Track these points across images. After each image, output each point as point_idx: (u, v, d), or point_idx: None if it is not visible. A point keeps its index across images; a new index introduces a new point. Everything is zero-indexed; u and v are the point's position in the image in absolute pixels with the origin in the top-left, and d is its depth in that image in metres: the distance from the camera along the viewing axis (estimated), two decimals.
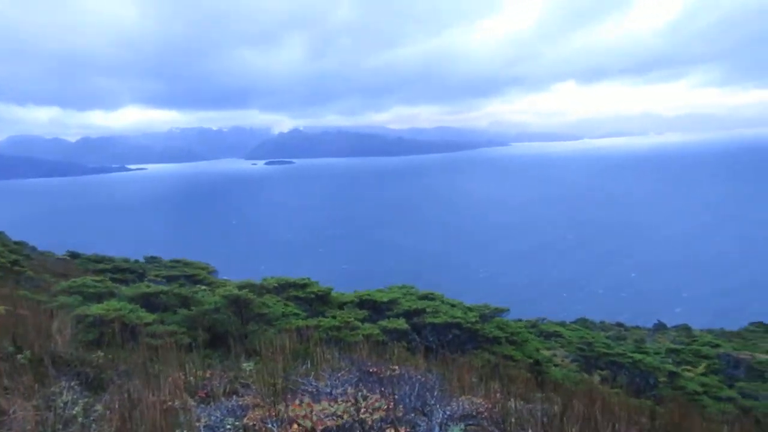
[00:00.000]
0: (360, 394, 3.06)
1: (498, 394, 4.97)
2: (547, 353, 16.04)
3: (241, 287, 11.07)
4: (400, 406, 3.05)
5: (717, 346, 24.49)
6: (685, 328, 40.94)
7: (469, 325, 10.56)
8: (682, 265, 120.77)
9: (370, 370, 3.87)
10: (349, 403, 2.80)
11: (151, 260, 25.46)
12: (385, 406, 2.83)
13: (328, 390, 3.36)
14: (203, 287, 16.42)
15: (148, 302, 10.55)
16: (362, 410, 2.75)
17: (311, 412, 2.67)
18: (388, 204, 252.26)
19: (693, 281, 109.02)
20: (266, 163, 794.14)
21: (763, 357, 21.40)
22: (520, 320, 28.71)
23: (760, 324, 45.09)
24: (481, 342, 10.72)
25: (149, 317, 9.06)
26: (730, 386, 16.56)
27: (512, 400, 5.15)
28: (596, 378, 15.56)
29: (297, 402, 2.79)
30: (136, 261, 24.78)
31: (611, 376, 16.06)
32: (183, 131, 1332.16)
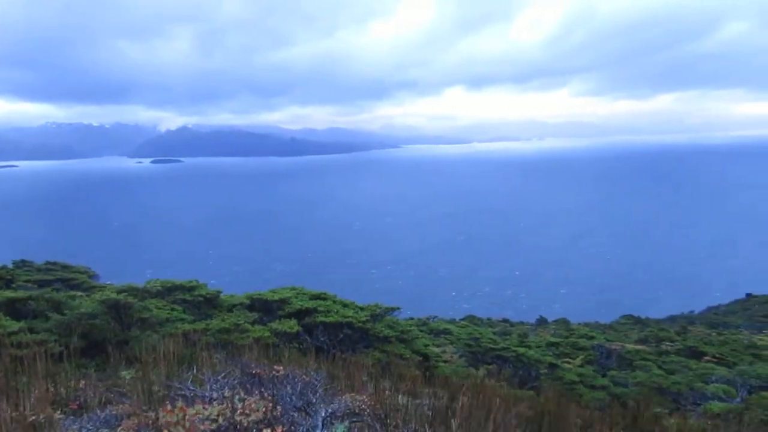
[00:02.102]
0: (237, 396, 2.96)
1: (387, 392, 5.02)
2: (436, 350, 16.44)
3: (121, 291, 10.43)
4: (279, 406, 2.98)
5: (592, 338, 26.21)
6: (564, 322, 43.54)
7: (360, 324, 10.60)
8: (561, 263, 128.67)
9: (254, 372, 3.76)
10: (224, 406, 2.70)
11: (21, 264, 23.41)
12: (263, 407, 2.75)
13: (207, 394, 3.22)
14: (80, 293, 15.37)
15: (14, 309, 9.67)
16: (238, 412, 2.66)
17: (184, 417, 2.54)
18: (281, 205, 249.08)
19: (571, 278, 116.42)
20: (152, 162, 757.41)
21: (631, 347, 23.17)
22: (411, 319, 29.31)
23: (630, 316, 48.99)
24: (372, 341, 10.80)
25: (14, 325, 8.30)
26: (604, 375, 17.74)
27: (401, 396, 5.22)
28: (483, 372, 16.13)
29: (169, 408, 2.64)
30: (3, 266, 22.68)
31: (497, 369, 16.69)
32: (59, 126, 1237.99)
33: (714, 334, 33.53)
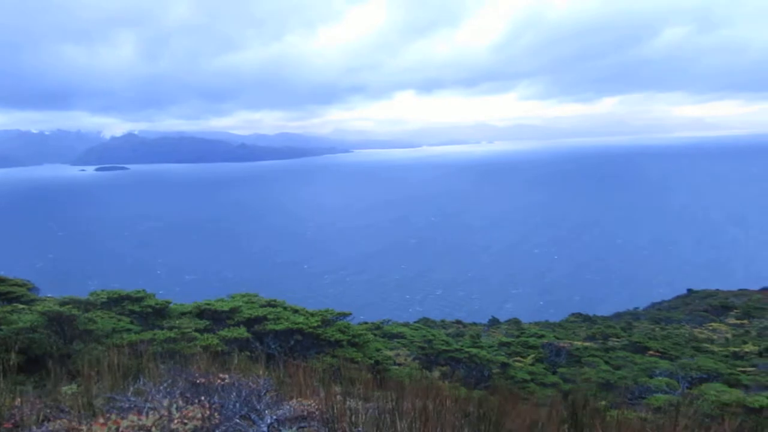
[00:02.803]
0: (176, 405, 2.90)
1: (338, 396, 5.00)
2: (389, 353, 16.48)
3: (63, 303, 10.06)
4: (220, 414, 2.93)
5: (542, 336, 26.74)
6: (516, 322, 44.28)
7: (311, 330, 10.54)
8: (512, 264, 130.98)
9: (198, 381, 3.68)
10: (160, 416, 2.63)
11: None
12: (201, 415, 2.70)
13: (146, 405, 3.14)
14: (20, 305, 14.74)
15: None
16: (175, 421, 2.60)
17: (117, 429, 2.46)
18: (232, 212, 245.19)
19: (521, 278, 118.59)
20: (97, 169, 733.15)
21: (580, 344, 23.76)
22: (365, 323, 29.26)
23: (579, 314, 50.20)
24: (323, 346, 10.74)
25: None
26: (554, 372, 18.13)
27: (351, 400, 5.21)
28: (436, 374, 16.25)
29: (101, 421, 2.56)
30: None
31: (450, 371, 16.84)
32: None
33: (657, 329, 34.70)
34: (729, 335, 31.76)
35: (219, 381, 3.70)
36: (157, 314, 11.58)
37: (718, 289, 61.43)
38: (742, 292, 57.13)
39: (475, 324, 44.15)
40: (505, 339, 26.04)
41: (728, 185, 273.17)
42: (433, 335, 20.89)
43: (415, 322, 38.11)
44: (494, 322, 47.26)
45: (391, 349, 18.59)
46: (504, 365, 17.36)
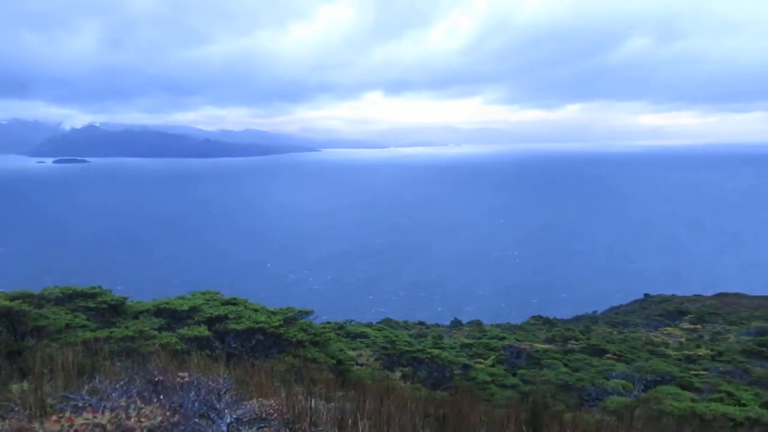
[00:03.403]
0: (134, 404, 2.83)
1: (299, 396, 4.97)
2: (352, 353, 16.44)
3: (13, 298, 9.74)
4: (179, 413, 2.87)
5: (503, 338, 27.07)
6: (478, 324, 44.68)
7: (273, 329, 10.43)
8: (475, 266, 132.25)
9: (156, 380, 3.60)
10: (116, 414, 2.56)
11: None
12: (161, 415, 2.64)
13: (102, 404, 3.05)
14: None
15: None
16: (132, 419, 2.54)
17: (71, 426, 2.38)
18: (195, 208, 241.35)
19: (484, 280, 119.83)
20: (55, 162, 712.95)
21: (540, 346, 24.10)
22: (328, 323, 29.16)
23: (539, 317, 50.95)
24: (285, 346, 10.64)
25: None
26: (514, 374, 18.34)
27: (313, 400, 5.18)
28: (398, 374, 16.29)
29: (55, 418, 2.48)
30: None
31: (412, 371, 16.89)
32: None
33: (615, 332, 35.48)
34: (683, 339, 32.67)
35: (178, 380, 3.63)
36: (113, 311, 11.31)
37: (673, 295, 63.19)
38: (697, 298, 58.88)
39: (437, 325, 44.41)
40: (466, 340, 26.25)
41: (684, 194, 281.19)
42: (395, 336, 20.93)
43: (378, 322, 38.15)
44: (456, 324, 47.61)
45: (353, 350, 18.56)
46: (465, 366, 17.50)
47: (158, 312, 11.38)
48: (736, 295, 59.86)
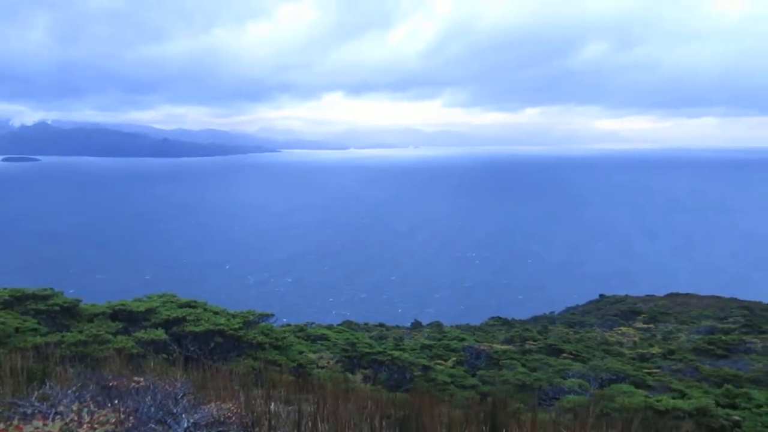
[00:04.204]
0: (86, 409, 2.75)
1: (259, 399, 4.92)
2: (313, 356, 16.35)
3: None
4: (133, 418, 2.81)
5: (463, 339, 27.32)
6: (438, 325, 44.99)
7: (232, 332, 10.30)
8: (434, 268, 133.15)
9: (110, 384, 3.52)
10: (68, 420, 2.49)
11: None
12: (114, 419, 2.57)
13: (53, 410, 2.96)
14: None
15: None
16: (85, 426, 2.47)
17: None
18: (152, 209, 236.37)
19: (444, 282, 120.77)
20: (4, 160, 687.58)
21: (499, 347, 24.41)
22: (288, 325, 28.94)
23: (498, 318, 51.60)
24: (245, 348, 10.52)
25: None
26: (473, 375, 18.50)
27: (273, 403, 5.13)
28: (359, 376, 16.27)
29: (2, 426, 2.39)
30: None
31: (373, 373, 16.90)
32: None
33: (571, 332, 36.18)
34: (637, 339, 33.55)
35: (133, 384, 3.55)
36: (66, 314, 10.99)
37: (627, 295, 64.83)
38: (649, 298, 60.55)
39: (398, 327, 44.56)
40: (427, 342, 26.39)
41: (638, 197, 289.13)
42: (356, 338, 20.91)
43: (338, 324, 38.05)
44: (417, 326, 47.84)
45: (314, 352, 18.46)
46: (426, 368, 17.58)
47: (113, 315, 11.11)
48: (686, 295, 61.74)
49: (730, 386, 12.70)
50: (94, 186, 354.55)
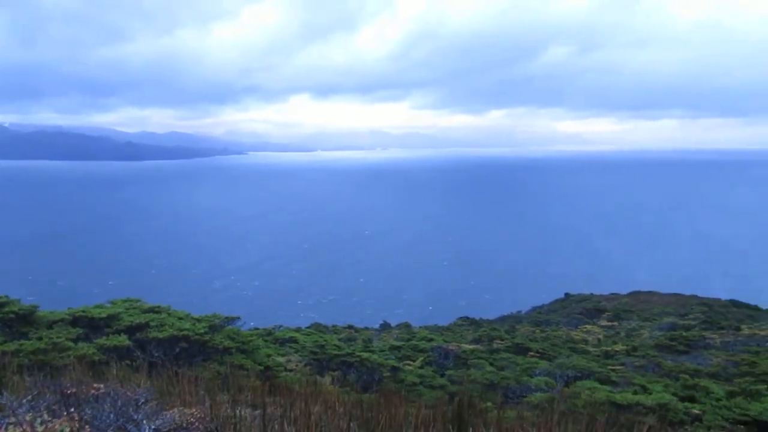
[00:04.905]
0: (40, 418, 2.66)
1: (225, 404, 4.84)
2: (281, 359, 16.22)
3: None
4: (88, 426, 2.73)
5: (431, 340, 27.41)
6: (407, 326, 45.09)
7: (197, 336, 10.14)
8: (403, 270, 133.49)
9: (69, 392, 3.41)
10: (21, 430, 2.40)
11: None
12: (69, 428, 2.50)
13: (5, 420, 2.86)
14: None
15: None
16: None
17: None
18: (116, 213, 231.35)
19: (412, 284, 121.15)
20: None
21: (467, 347, 24.58)
22: (256, 329, 28.66)
23: (466, 318, 52.00)
24: (211, 353, 10.37)
25: None
26: (442, 375, 18.59)
27: (239, 408, 5.06)
28: (328, 379, 16.19)
29: None
30: None
31: (342, 375, 16.84)
32: None
33: (538, 331, 36.67)
34: (601, 336, 34.17)
35: (93, 391, 3.45)
36: (22, 322, 10.65)
37: (591, 294, 66.06)
38: (613, 296, 61.79)
39: (367, 329, 44.52)
40: (396, 343, 26.41)
41: (601, 198, 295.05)
42: (325, 340, 20.81)
43: (307, 327, 37.86)
44: (386, 327, 47.91)
45: (282, 355, 18.30)
46: (394, 369, 17.59)
47: (74, 321, 10.82)
48: (648, 293, 63.21)
49: (689, 379, 13.02)
50: (56, 190, 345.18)
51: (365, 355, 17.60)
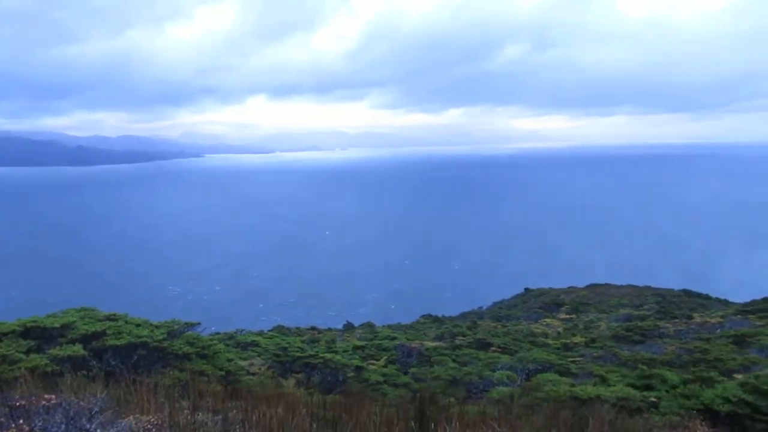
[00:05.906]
0: None
1: (186, 411, 4.74)
2: (243, 363, 16.02)
3: None
4: None
5: (394, 338, 27.50)
6: (370, 326, 45.13)
7: (156, 343, 9.91)
8: (365, 270, 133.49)
9: (18, 404, 3.29)
10: None
11: None
12: None
13: None
14: None
15: None
16: None
17: None
18: (68, 220, 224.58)
19: (374, 283, 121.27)
20: None
21: (430, 344, 24.73)
22: (217, 333, 28.27)
23: (429, 316, 52.34)
24: (170, 360, 10.15)
25: None
26: (405, 373, 18.65)
27: (200, 413, 4.96)
28: (292, 381, 16.07)
29: None
30: None
31: (306, 377, 16.75)
32: None
33: (499, 326, 37.13)
34: (561, 329, 34.83)
35: (44, 402, 3.34)
36: None
37: (550, 288, 67.25)
38: (571, 290, 63.03)
39: (330, 329, 44.35)
40: (359, 343, 26.39)
41: (555, 193, 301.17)
42: (287, 342, 20.67)
43: (269, 330, 37.51)
44: (349, 327, 47.82)
45: (244, 359, 18.09)
46: (358, 368, 17.58)
47: (25, 332, 10.43)
48: (605, 285, 64.72)
49: (646, 369, 13.37)
50: (3, 197, 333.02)
51: (329, 356, 17.53)
